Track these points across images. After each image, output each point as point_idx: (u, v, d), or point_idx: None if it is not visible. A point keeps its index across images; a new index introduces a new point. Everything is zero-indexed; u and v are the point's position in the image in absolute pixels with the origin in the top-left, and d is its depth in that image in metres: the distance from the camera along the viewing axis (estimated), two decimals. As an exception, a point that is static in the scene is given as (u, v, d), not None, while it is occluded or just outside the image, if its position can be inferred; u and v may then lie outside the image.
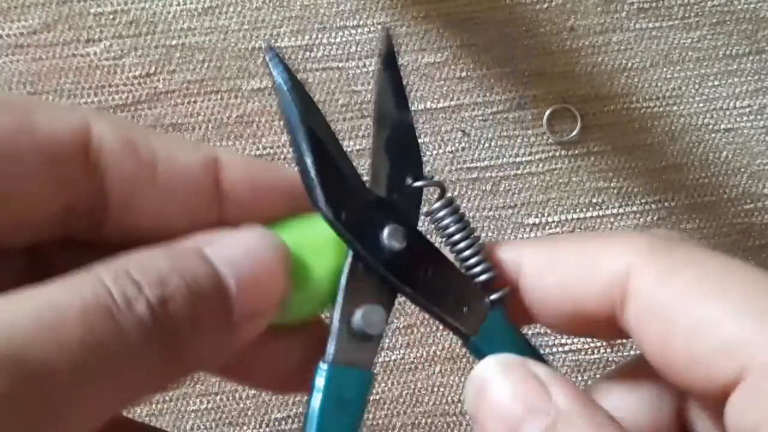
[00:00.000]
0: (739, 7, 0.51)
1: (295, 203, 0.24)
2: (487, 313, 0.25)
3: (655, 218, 0.52)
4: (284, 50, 0.50)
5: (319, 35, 0.50)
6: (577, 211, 0.52)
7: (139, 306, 0.19)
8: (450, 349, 0.51)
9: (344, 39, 0.50)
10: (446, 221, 0.25)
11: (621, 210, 0.52)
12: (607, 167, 0.52)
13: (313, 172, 0.23)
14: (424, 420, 0.52)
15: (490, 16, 0.50)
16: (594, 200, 0.52)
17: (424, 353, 0.51)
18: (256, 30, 0.50)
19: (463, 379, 0.52)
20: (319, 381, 0.23)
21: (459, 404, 0.52)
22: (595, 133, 0.51)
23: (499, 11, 0.50)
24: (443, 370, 0.51)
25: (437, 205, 0.25)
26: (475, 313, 0.25)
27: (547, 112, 0.51)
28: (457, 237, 0.25)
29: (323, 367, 0.23)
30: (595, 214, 0.52)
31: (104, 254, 0.21)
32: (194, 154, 0.23)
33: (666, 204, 0.52)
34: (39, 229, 0.22)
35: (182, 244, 0.22)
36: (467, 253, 0.25)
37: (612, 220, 0.52)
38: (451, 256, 0.25)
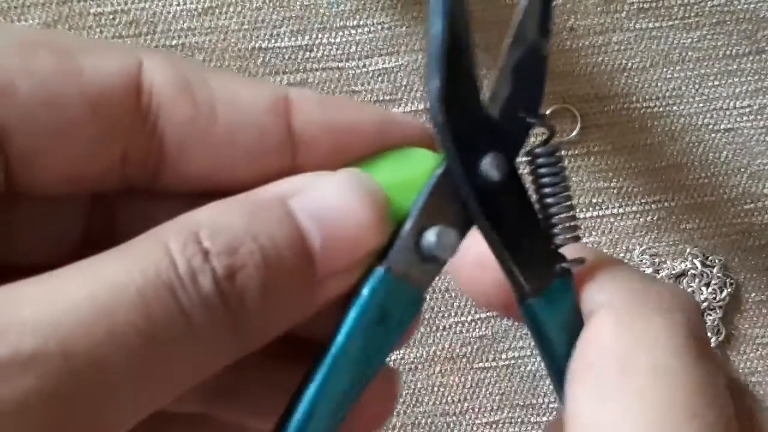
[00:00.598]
0: (739, 7, 0.51)
1: (378, 144, 0.22)
2: (555, 278, 0.23)
3: (655, 218, 0.52)
4: (284, 50, 0.50)
5: (319, 35, 0.50)
6: (577, 211, 0.52)
7: (204, 280, 0.18)
8: (450, 349, 0.51)
9: (344, 39, 0.50)
10: (544, 169, 0.23)
11: (621, 210, 0.52)
12: (607, 167, 0.52)
13: (440, 60, 0.20)
14: (424, 420, 0.52)
15: (490, 16, 0.50)
16: (594, 200, 0.52)
17: (424, 353, 0.51)
18: (256, 30, 0.50)
19: (463, 379, 0.52)
20: (370, 285, 0.21)
21: (459, 404, 0.52)
22: (595, 133, 0.51)
23: (499, 11, 0.50)
24: (443, 370, 0.51)
25: (540, 150, 0.23)
26: (544, 274, 0.22)
27: (547, 112, 0.51)
28: (549, 189, 0.23)
29: (379, 270, 0.21)
30: (595, 214, 0.52)
31: (169, 202, 0.20)
32: (260, 94, 0.21)
33: (666, 204, 0.52)
34: (94, 179, 0.20)
35: (265, 195, 0.20)
36: (555, 209, 0.23)
37: (612, 220, 0.52)
38: (536, 207, 0.23)
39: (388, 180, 0.21)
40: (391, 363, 0.51)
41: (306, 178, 0.20)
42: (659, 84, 0.51)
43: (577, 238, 0.23)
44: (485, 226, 0.22)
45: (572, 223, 0.23)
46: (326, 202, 0.20)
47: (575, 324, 0.22)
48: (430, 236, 0.21)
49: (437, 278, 0.50)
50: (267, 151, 0.21)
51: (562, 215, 0.23)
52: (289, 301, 0.19)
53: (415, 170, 0.22)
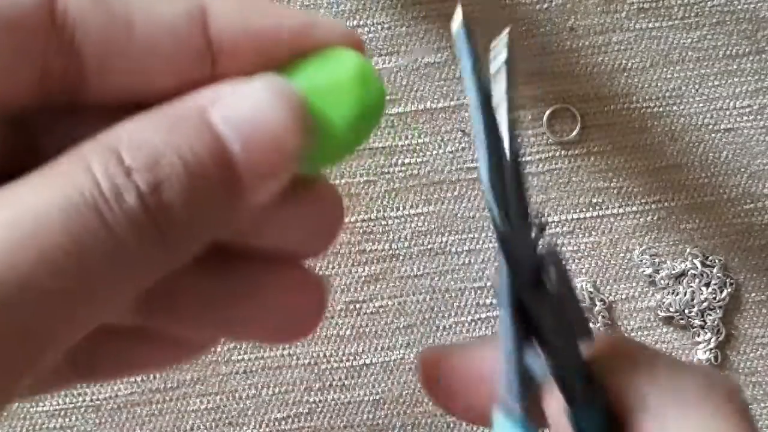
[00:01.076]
0: (739, 7, 0.51)
1: (301, 48, 0.22)
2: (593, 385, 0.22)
3: (655, 218, 0.52)
4: (284, 50, 0.50)
5: (319, 35, 0.50)
6: (577, 211, 0.52)
7: (129, 197, 0.18)
8: (450, 349, 0.51)
9: (344, 39, 0.50)
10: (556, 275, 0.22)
11: (621, 210, 0.52)
12: (607, 167, 0.52)
13: (494, 178, 0.20)
14: (424, 420, 0.52)
15: (490, 16, 0.50)
16: (594, 200, 0.52)
17: (424, 353, 0.51)
18: (256, 30, 0.50)
19: (463, 379, 0.52)
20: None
21: (459, 404, 0.52)
22: (595, 133, 0.51)
23: (499, 11, 0.50)
24: (443, 370, 0.51)
25: (551, 257, 0.22)
26: (589, 383, 0.22)
27: (547, 112, 0.51)
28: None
29: (513, 419, 0.22)
30: (595, 214, 0.52)
31: (92, 120, 0.20)
32: (176, 5, 0.21)
33: (666, 204, 0.52)
34: (11, 99, 0.20)
35: (183, 106, 0.20)
36: (570, 312, 0.22)
37: (612, 220, 0.52)
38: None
39: (312, 83, 0.21)
40: (392, 363, 0.51)
41: (223, 87, 0.21)
42: (659, 84, 0.52)
43: (590, 334, 0.22)
44: (550, 345, 0.22)
45: (586, 321, 0.23)
46: (242, 109, 0.20)
47: (609, 425, 0.22)
48: (532, 363, 0.21)
49: (437, 278, 0.51)
50: (186, 60, 0.21)
51: (576, 315, 0.22)
52: (214, 209, 0.20)
53: (340, 72, 0.22)
